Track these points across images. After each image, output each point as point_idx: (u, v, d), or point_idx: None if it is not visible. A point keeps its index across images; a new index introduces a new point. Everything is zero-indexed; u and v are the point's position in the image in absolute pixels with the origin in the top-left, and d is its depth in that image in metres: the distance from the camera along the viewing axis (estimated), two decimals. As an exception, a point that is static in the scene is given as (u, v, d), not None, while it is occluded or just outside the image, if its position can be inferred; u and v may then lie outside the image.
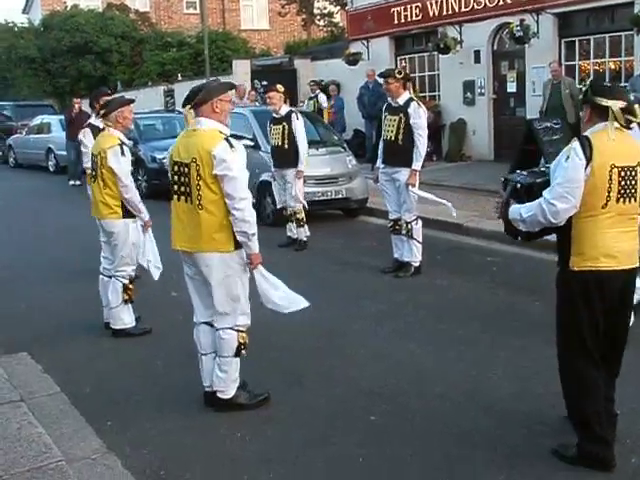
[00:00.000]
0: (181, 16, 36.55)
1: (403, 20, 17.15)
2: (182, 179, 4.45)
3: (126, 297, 6.07)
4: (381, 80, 8.28)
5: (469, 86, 15.90)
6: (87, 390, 5.09)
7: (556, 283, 3.96)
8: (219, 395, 4.64)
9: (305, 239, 9.50)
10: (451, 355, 5.62)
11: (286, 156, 9.46)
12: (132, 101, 6.17)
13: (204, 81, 20.71)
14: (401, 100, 7.77)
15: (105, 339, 6.15)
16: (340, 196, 11.20)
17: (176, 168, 4.49)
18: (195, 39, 30.47)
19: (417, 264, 7.97)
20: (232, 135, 4.50)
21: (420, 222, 8.00)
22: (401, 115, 7.73)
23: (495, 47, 15.55)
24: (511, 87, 15.25)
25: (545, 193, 3.70)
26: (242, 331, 4.60)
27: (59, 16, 31.58)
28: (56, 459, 3.89)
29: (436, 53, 16.41)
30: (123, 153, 5.92)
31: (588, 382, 3.81)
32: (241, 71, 20.08)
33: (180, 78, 24.99)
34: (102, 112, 6.07)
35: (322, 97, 16.87)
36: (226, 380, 4.62)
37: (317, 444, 4.28)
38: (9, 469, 3.81)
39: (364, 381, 5.14)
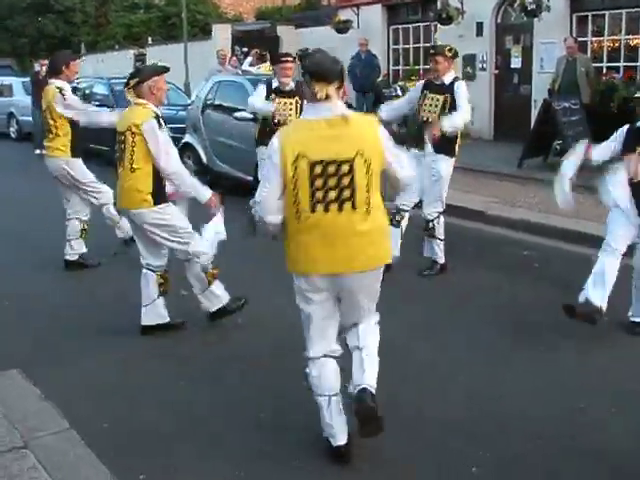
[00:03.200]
0: (148, -24, 34.79)
1: (398, -13, 16.15)
2: (341, 182, 3.42)
3: (210, 278, 5.37)
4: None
5: (469, 60, 14.95)
6: (104, 424, 4.10)
7: None
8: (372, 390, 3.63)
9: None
10: (526, 375, 4.73)
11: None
12: (167, 69, 5.14)
13: (181, 45, 19.66)
14: (447, 79, 6.79)
15: (117, 347, 5.14)
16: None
17: (330, 169, 3.41)
18: (164, 1, 28.98)
19: (442, 261, 7.09)
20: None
21: (442, 218, 7.08)
22: (447, 95, 6.73)
23: (499, 20, 14.64)
24: (515, 63, 14.38)
25: None
26: None
27: (18, -30, 29.79)
28: None
29: (433, 24, 15.47)
30: (160, 126, 4.96)
31: None
32: (222, 37, 18.89)
33: (151, 42, 23.60)
34: (131, 83, 5.01)
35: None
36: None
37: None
38: None
39: (438, 412, 4.23)
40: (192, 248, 5.23)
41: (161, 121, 4.97)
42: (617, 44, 12.84)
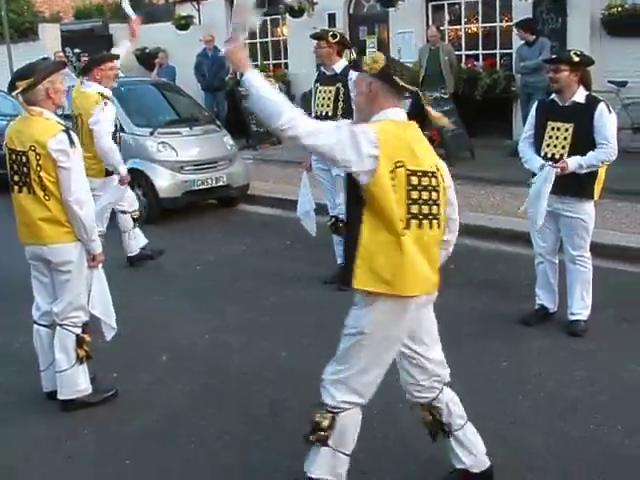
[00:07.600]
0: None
1: (242, -21, 15.33)
2: None
3: (82, 353, 4.20)
4: (314, 42, 6.62)
5: (323, 53, 14.44)
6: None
7: None
8: None
9: None
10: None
11: None
12: (65, 65, 4.15)
13: (2, 48, 17.75)
14: (337, 67, 6.39)
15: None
16: (221, 183, 9.42)
17: None
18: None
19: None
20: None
21: None
22: (338, 86, 6.33)
23: (351, 11, 14.23)
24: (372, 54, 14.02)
25: None
26: None
27: None
28: None
29: (281, 17, 14.88)
30: (72, 142, 3.96)
31: None
32: (50, 37, 17.19)
33: (-38, 45, 21.22)
34: (20, 85, 3.88)
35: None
36: None
37: None
38: None
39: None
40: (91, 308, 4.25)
41: (73, 136, 3.98)
42: (474, 32, 12.76)
